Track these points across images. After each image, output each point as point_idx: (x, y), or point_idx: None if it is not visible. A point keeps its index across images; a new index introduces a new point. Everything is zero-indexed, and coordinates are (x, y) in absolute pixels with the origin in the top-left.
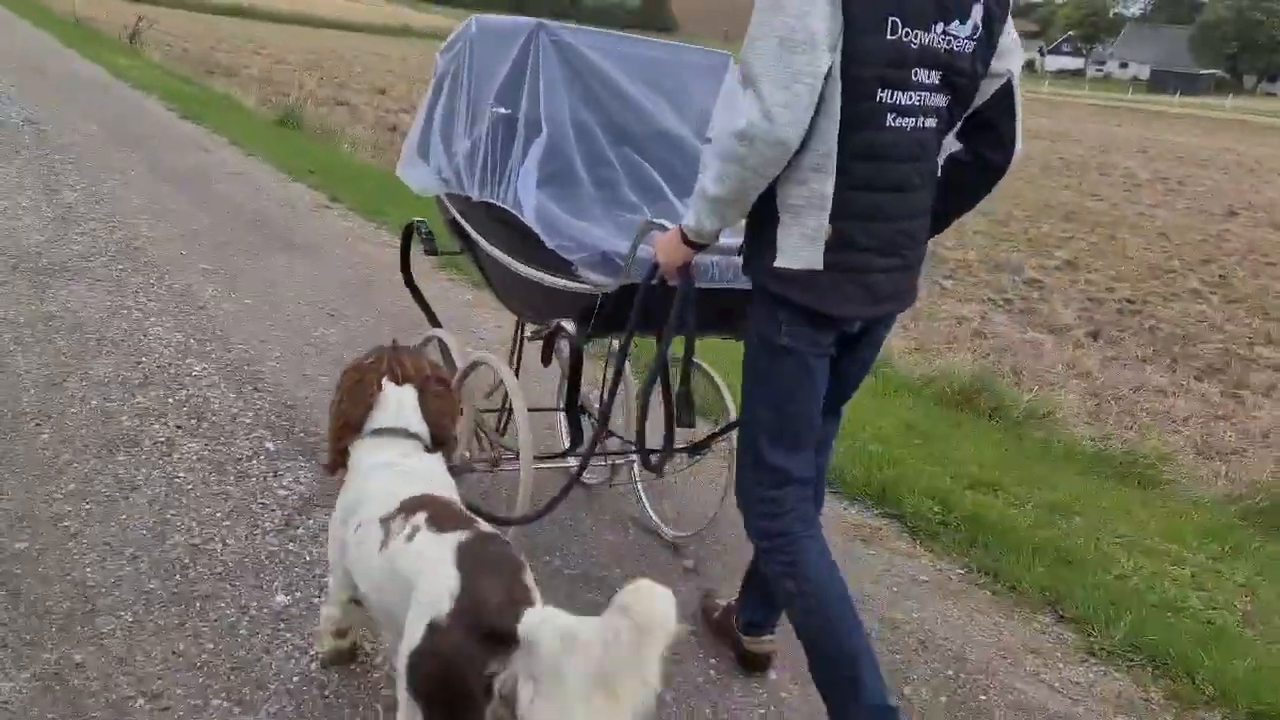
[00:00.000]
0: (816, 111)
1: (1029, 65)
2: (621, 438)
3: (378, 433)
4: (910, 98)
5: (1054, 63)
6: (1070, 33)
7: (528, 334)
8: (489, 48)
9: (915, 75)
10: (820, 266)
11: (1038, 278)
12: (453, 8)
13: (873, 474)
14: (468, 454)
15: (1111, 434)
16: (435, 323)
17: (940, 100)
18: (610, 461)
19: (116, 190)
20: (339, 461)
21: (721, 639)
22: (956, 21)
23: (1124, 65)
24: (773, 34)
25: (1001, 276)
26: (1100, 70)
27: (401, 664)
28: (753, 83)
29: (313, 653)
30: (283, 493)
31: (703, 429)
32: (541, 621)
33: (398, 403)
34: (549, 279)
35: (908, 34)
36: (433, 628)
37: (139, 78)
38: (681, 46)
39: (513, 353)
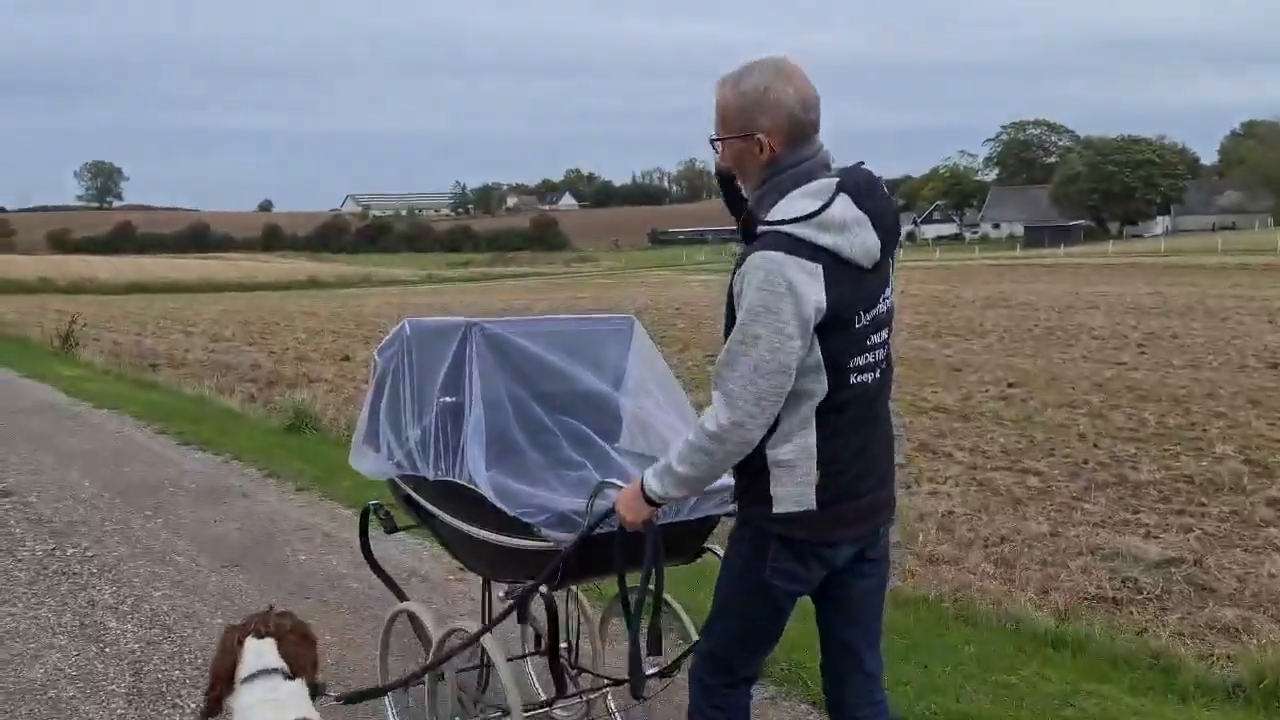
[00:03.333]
0: (808, 395)
1: (910, 236)
2: (593, 673)
3: (248, 679)
4: (865, 358)
5: (929, 230)
6: (939, 202)
7: (499, 594)
8: (426, 345)
9: (869, 340)
10: (815, 506)
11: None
12: (351, 254)
13: None
14: None
15: None
16: (400, 596)
17: (888, 348)
18: (585, 699)
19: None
20: (213, 709)
21: None
22: (886, 288)
23: (996, 225)
24: (747, 361)
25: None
26: (975, 232)
27: None
28: (726, 395)
29: None
30: None
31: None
32: None
33: (258, 652)
34: (515, 541)
35: (865, 318)
36: None
37: (95, 391)
38: (591, 317)
39: (484, 611)
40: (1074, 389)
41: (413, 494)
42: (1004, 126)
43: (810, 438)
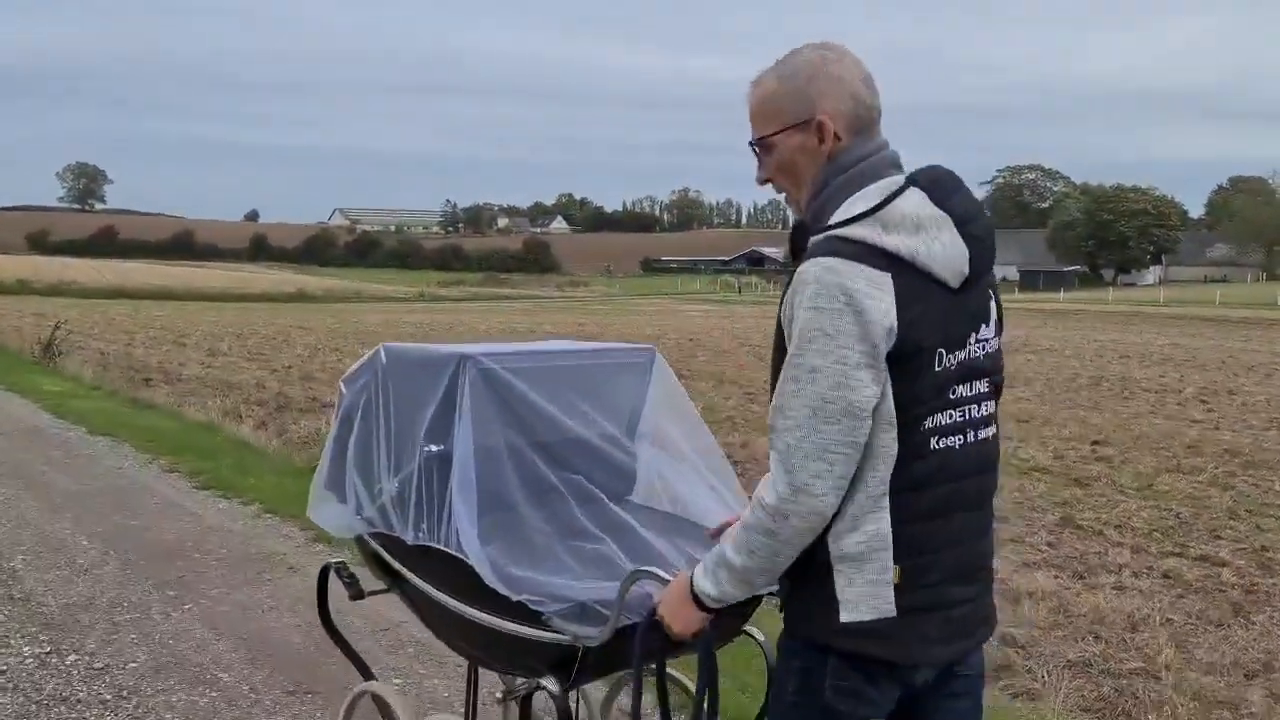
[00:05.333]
0: (876, 460)
1: None
2: None
3: None
4: (949, 416)
5: None
6: None
7: (497, 696)
8: (407, 379)
9: (955, 392)
10: (894, 612)
11: None
12: (339, 268)
13: None
14: None
15: None
16: (367, 674)
17: (988, 407)
18: None
19: None
20: None
21: None
22: (984, 325)
23: None
24: (804, 404)
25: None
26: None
27: None
28: (782, 454)
29: None
30: None
31: None
32: None
33: None
34: (519, 629)
35: (950, 359)
36: None
37: (85, 412)
38: (607, 348)
39: (468, 704)
40: (1168, 451)
41: (385, 555)
42: (999, 170)
43: (884, 522)
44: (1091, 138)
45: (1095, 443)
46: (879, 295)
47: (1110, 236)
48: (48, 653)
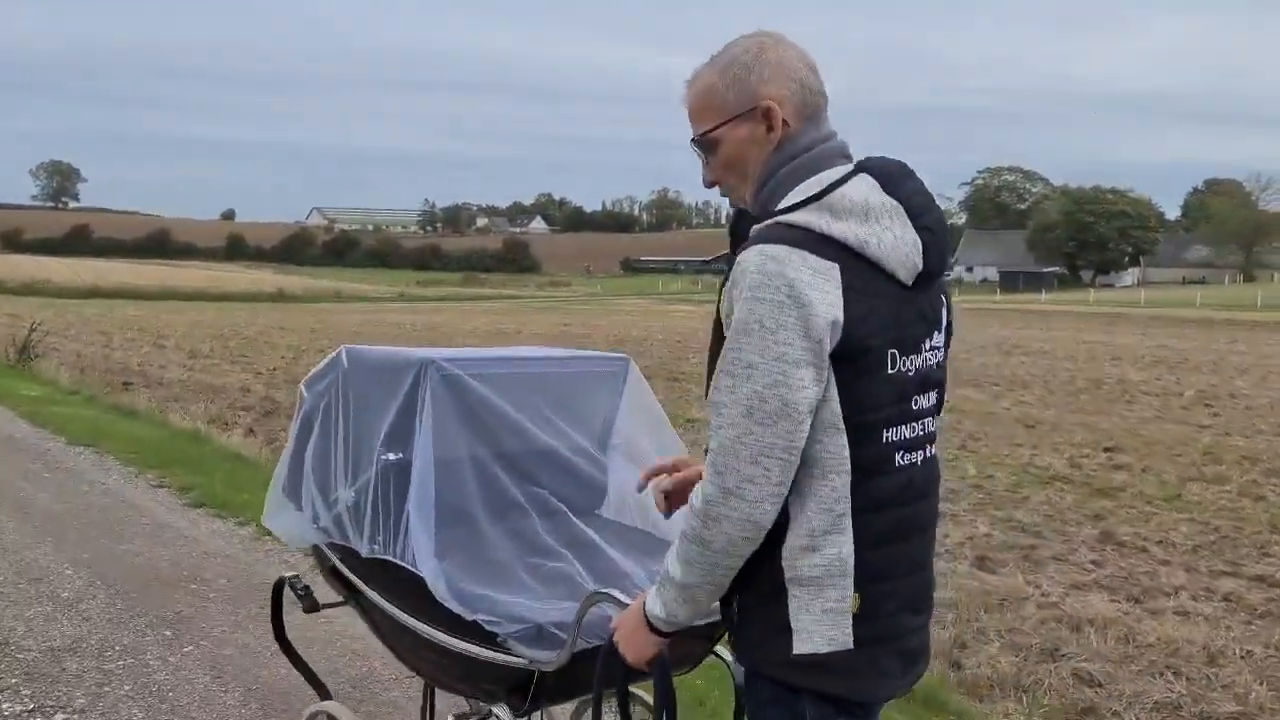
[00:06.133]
0: (827, 469)
1: None
2: None
3: None
4: (913, 429)
5: None
6: None
7: (450, 717)
8: (366, 384)
9: (915, 404)
10: (851, 645)
11: None
12: (317, 267)
13: None
14: None
15: None
16: (324, 694)
17: (935, 422)
18: None
19: None
20: None
21: None
22: (936, 331)
23: (970, 269)
24: (738, 403)
25: None
26: (949, 275)
27: None
28: (713, 453)
29: None
30: None
31: None
32: None
33: None
34: (475, 650)
35: (905, 364)
36: None
37: (64, 419)
38: (575, 356)
39: None
40: (1185, 459)
41: (342, 567)
42: (980, 171)
43: (846, 545)
44: (1070, 140)
45: (1109, 449)
46: (824, 287)
47: (1090, 238)
48: (30, 711)
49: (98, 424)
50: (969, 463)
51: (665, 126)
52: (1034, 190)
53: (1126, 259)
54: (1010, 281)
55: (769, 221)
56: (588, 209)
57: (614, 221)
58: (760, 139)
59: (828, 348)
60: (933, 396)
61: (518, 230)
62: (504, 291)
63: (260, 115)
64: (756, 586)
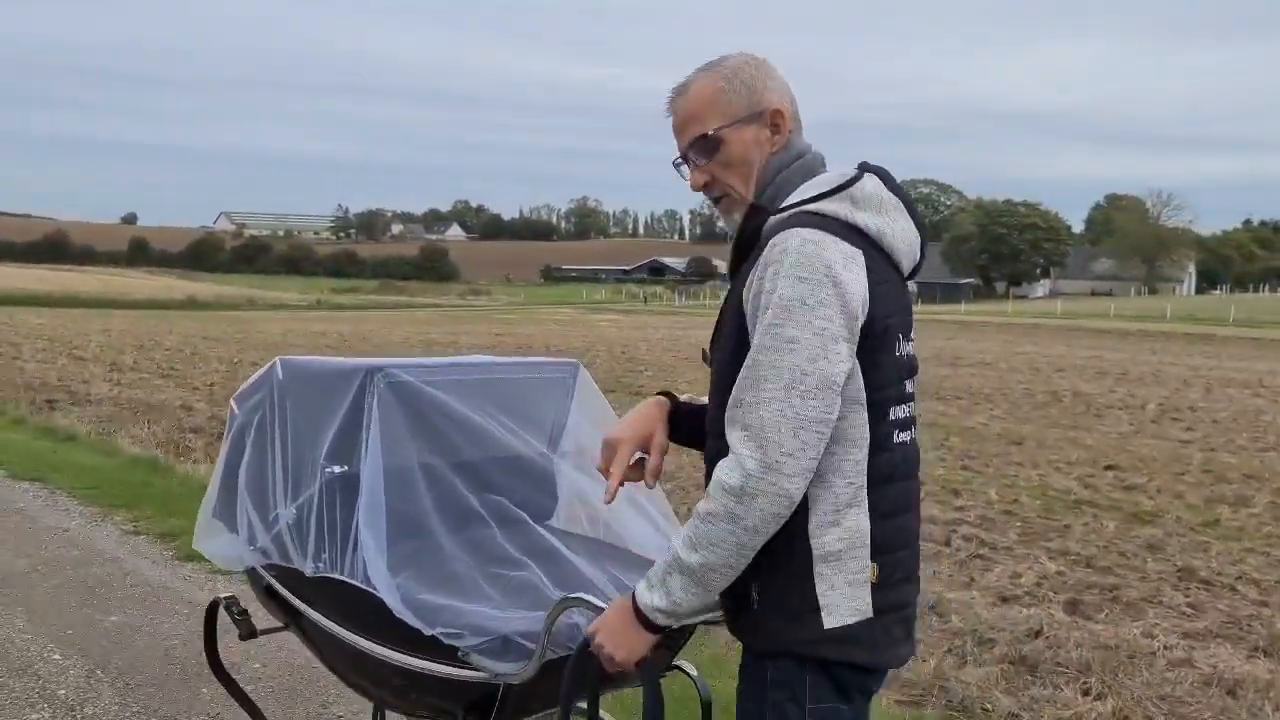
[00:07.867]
0: (850, 442)
1: None
2: None
3: None
4: (904, 410)
5: None
6: None
7: None
8: (305, 395)
9: (906, 387)
10: (871, 613)
11: None
12: (226, 273)
13: None
14: None
15: None
16: (258, 718)
17: (916, 406)
18: None
19: None
20: None
21: None
22: (912, 321)
23: None
24: (779, 376)
25: None
26: None
27: None
28: (752, 428)
29: None
30: None
31: None
32: None
33: None
34: (434, 667)
35: (903, 348)
36: None
37: None
38: (524, 362)
39: None
40: (1187, 476)
41: (279, 588)
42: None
43: (864, 517)
44: (979, 155)
45: (1110, 468)
46: (853, 268)
47: (1003, 249)
48: None
49: (36, 452)
50: (990, 487)
51: (586, 135)
52: (948, 203)
53: (1038, 270)
54: (928, 292)
55: (794, 210)
56: (506, 216)
57: (532, 229)
58: (764, 141)
59: (859, 326)
60: (913, 382)
61: (434, 237)
62: (424, 300)
63: (164, 116)
64: (782, 568)
